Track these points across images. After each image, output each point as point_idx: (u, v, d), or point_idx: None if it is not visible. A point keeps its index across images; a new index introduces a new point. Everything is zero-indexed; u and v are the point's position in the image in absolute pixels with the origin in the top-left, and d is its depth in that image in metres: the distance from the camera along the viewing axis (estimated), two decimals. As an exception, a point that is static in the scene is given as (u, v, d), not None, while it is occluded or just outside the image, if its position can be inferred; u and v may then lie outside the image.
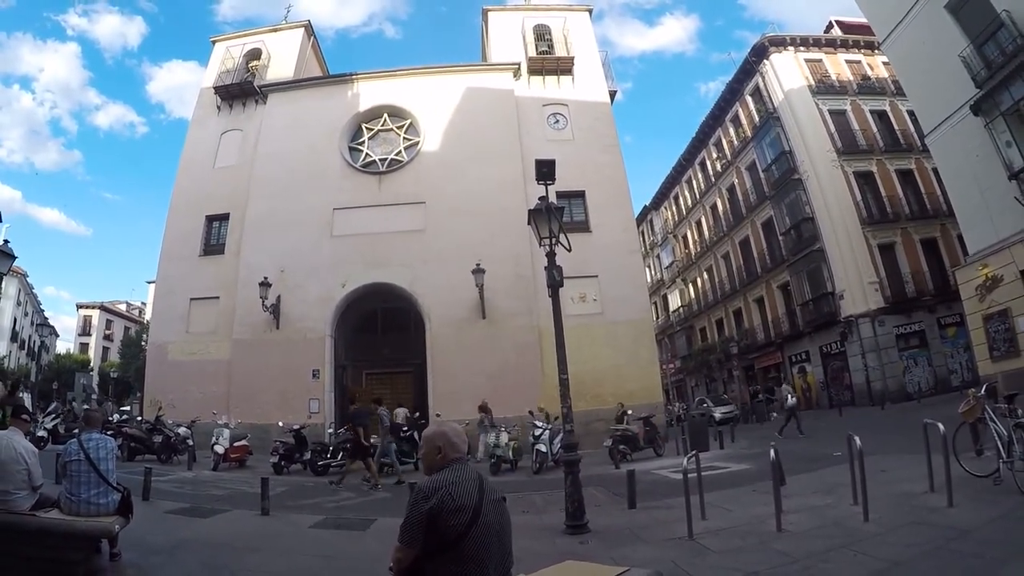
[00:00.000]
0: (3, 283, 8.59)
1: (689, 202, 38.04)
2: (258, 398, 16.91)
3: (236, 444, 13.66)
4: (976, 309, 16.24)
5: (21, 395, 17.41)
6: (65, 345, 57.18)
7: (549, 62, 21.53)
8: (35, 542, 4.24)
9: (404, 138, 20.83)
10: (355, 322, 19.75)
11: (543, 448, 12.18)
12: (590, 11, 23.72)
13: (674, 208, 40.66)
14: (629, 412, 14.75)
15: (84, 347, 55.57)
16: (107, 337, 57.77)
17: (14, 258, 8.51)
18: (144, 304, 56.13)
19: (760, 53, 27.22)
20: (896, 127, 25.43)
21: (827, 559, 4.68)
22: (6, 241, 8.18)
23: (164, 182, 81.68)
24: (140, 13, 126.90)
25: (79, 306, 58.22)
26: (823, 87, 25.88)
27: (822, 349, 25.45)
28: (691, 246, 38.08)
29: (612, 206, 19.51)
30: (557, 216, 7.55)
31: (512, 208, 17.38)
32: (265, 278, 17.12)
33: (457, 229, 18.24)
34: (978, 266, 16.02)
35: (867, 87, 26.21)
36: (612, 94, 22.08)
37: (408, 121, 20.98)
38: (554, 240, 7.41)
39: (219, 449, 13.08)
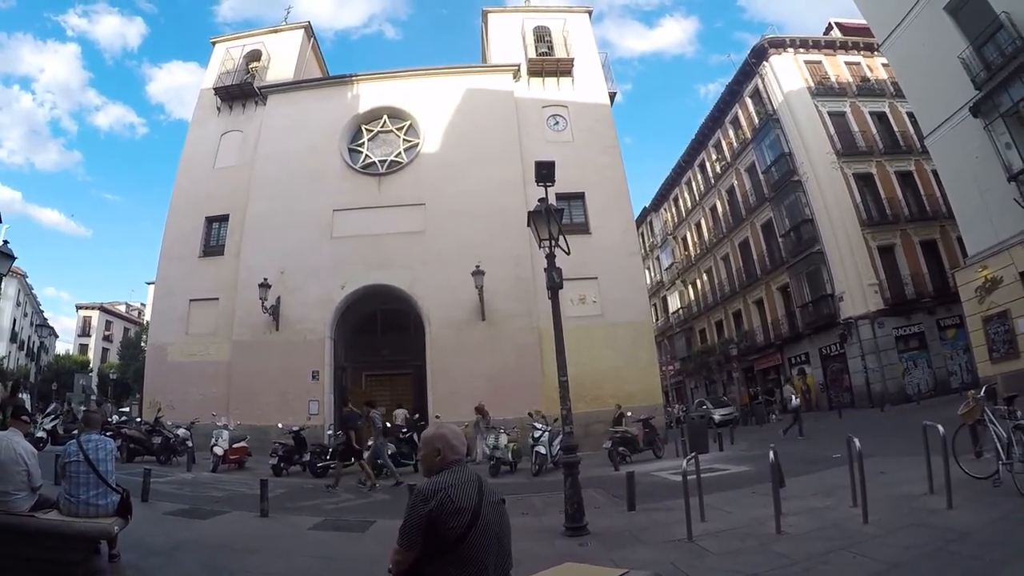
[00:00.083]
0: (3, 284, 8.58)
1: (689, 204, 38.05)
2: (257, 399, 16.90)
3: (235, 445, 13.65)
4: (976, 311, 16.23)
5: (22, 396, 17.42)
6: (64, 346, 57.25)
7: (549, 64, 21.55)
8: (34, 543, 4.23)
9: (404, 139, 20.85)
10: (355, 324, 19.75)
11: (542, 450, 12.18)
12: (590, 13, 23.76)
13: (674, 210, 40.67)
14: (628, 414, 14.75)
15: (83, 348, 55.57)
16: (106, 338, 57.76)
17: (14, 259, 8.50)
18: (144, 305, 56.10)
19: (759, 55, 27.24)
20: (896, 129, 25.44)
21: (827, 561, 4.68)
22: (6, 242, 8.18)
23: (164, 183, 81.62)
24: (140, 14, 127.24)
25: (79, 307, 58.23)
26: (823, 89, 25.90)
27: (822, 351, 25.44)
28: (691, 248, 38.08)
29: (612, 208, 19.52)
30: (557, 218, 7.56)
31: (512, 210, 17.39)
32: (265, 279, 17.11)
33: (457, 231, 18.25)
34: (978, 268, 16.02)
35: (867, 89, 26.23)
36: (612, 96, 22.10)
37: (408, 122, 20.99)
38: (554, 242, 7.42)
39: (218, 451, 13.07)
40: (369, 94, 21.26)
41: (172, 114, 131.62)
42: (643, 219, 43.14)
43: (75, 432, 5.27)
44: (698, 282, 37.51)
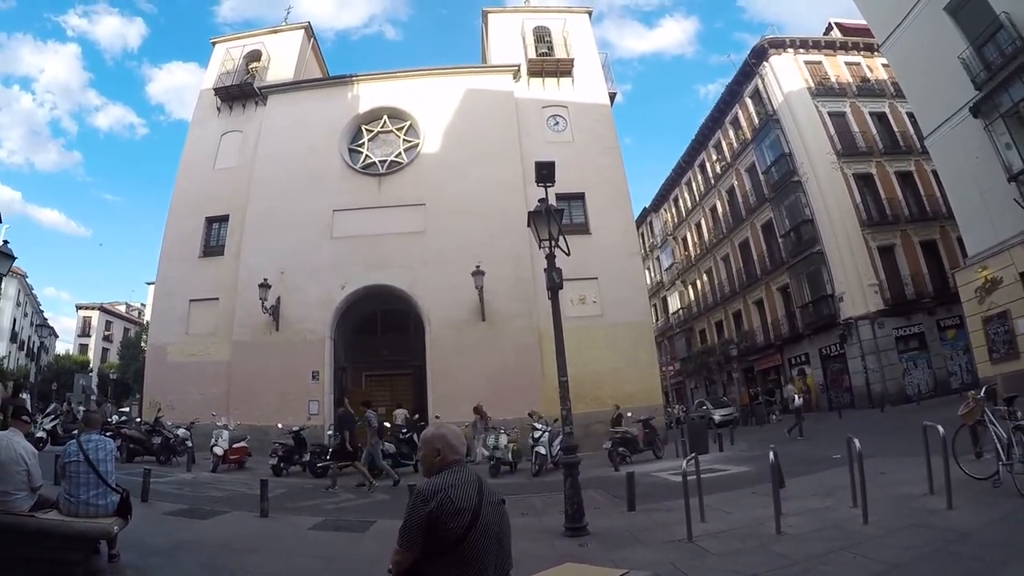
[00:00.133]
0: (3, 284, 8.59)
1: (689, 204, 38.06)
2: (257, 400, 16.90)
3: (235, 446, 13.66)
4: (976, 311, 16.23)
5: (23, 396, 17.42)
6: (64, 346, 57.26)
7: (549, 64, 21.55)
8: (34, 543, 4.24)
9: (404, 140, 20.85)
10: (355, 324, 19.75)
11: (542, 450, 12.18)
12: (590, 13, 23.77)
13: (674, 210, 40.67)
14: (629, 414, 14.74)
15: (83, 348, 55.57)
16: (106, 338, 57.76)
17: (14, 259, 8.51)
18: (144, 305, 56.12)
19: (759, 55, 27.25)
20: (896, 129, 25.45)
21: (827, 561, 4.68)
22: (6, 242, 8.19)
23: (164, 183, 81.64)
24: (140, 14, 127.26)
25: (79, 307, 58.23)
26: (823, 89, 25.90)
27: (821, 351, 25.44)
28: (691, 248, 38.09)
29: (612, 208, 19.52)
30: (557, 218, 7.57)
31: (512, 210, 17.40)
32: (265, 280, 17.11)
33: (457, 231, 18.25)
34: (978, 268, 16.02)
35: (867, 89, 26.23)
36: (612, 96, 22.10)
37: (408, 123, 21.00)
38: (554, 242, 7.42)
39: (218, 451, 13.07)
40: (369, 94, 21.27)
41: (172, 114, 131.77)
42: (643, 219, 43.14)
43: (75, 432, 5.27)
44: (698, 282, 37.51)
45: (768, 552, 5.09)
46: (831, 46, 27.42)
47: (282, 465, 12.71)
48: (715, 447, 14.60)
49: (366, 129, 21.07)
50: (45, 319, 51.68)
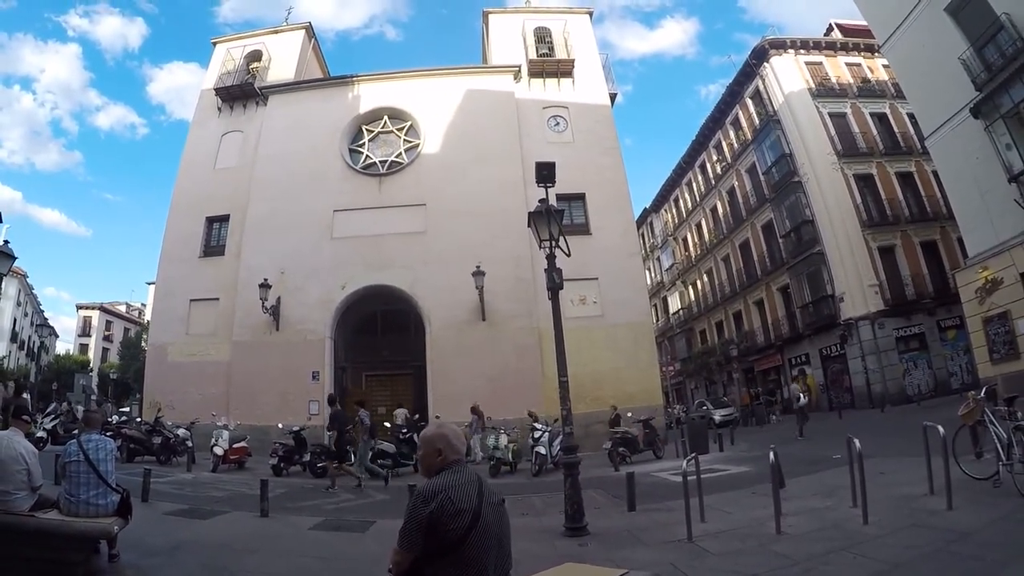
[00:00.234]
0: (3, 283, 8.59)
1: (689, 205, 38.06)
2: (258, 400, 16.90)
3: (235, 446, 13.64)
4: (976, 312, 16.23)
5: (25, 396, 17.43)
6: (65, 346, 57.23)
7: (549, 64, 21.55)
8: (34, 543, 4.23)
9: (404, 140, 20.86)
10: (355, 324, 19.75)
11: (542, 450, 12.18)
12: (590, 13, 23.77)
13: (674, 211, 40.68)
14: (629, 414, 14.74)
15: (84, 348, 55.56)
16: (107, 338, 57.76)
17: (14, 259, 8.51)
18: (144, 305, 56.14)
19: (760, 56, 27.26)
20: (896, 130, 25.45)
21: (827, 561, 4.68)
22: (6, 242, 8.19)
23: (165, 183, 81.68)
24: (141, 14, 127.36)
25: (79, 307, 58.22)
26: (823, 90, 25.91)
27: (822, 352, 25.44)
28: (691, 248, 38.09)
29: (612, 208, 19.52)
30: (557, 219, 7.56)
31: (512, 210, 17.40)
32: (265, 280, 17.11)
33: (457, 231, 18.25)
34: (978, 269, 16.02)
35: (867, 90, 26.24)
36: (612, 97, 22.10)
37: (408, 123, 21.00)
38: (554, 243, 7.42)
39: (218, 451, 13.06)
40: (370, 95, 21.28)
41: (173, 114, 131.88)
42: (643, 220, 43.15)
43: (75, 432, 5.27)
44: (698, 283, 37.51)
45: (768, 552, 5.09)
46: (832, 47, 27.44)
47: (282, 465, 12.70)
48: (715, 447, 14.60)
49: (366, 129, 21.08)
50: (45, 319, 51.68)
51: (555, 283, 7.30)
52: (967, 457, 7.09)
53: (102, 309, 58.50)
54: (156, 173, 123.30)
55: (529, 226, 7.81)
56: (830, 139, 24.70)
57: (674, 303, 40.95)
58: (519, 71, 21.42)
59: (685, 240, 39.03)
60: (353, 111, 21.00)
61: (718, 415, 25.04)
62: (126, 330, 58.87)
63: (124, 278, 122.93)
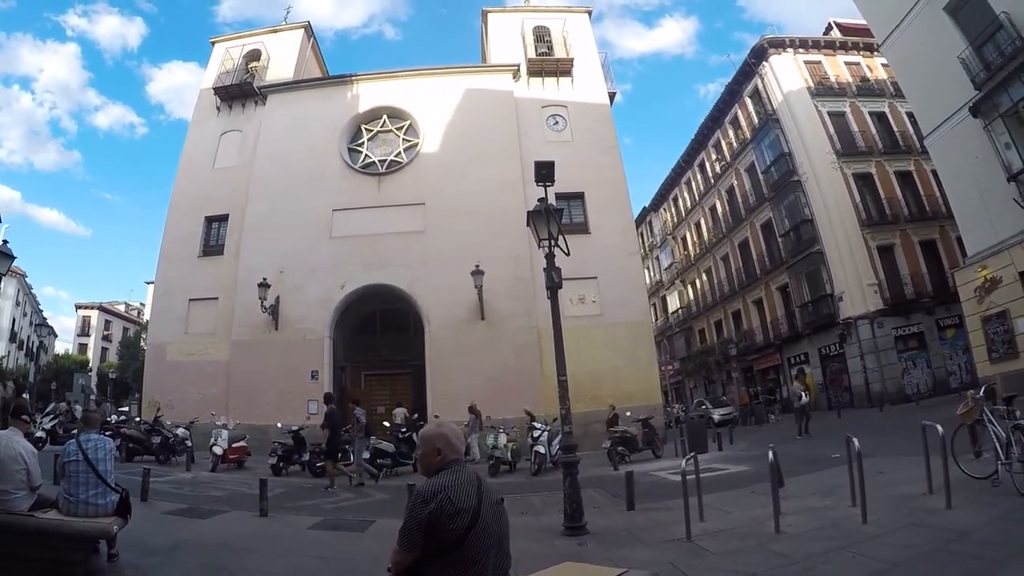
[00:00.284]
0: (2, 283, 8.59)
1: (688, 204, 38.06)
2: (257, 399, 16.89)
3: (235, 445, 13.64)
4: (975, 311, 16.24)
5: (25, 396, 17.41)
6: (64, 345, 57.20)
7: (548, 64, 21.54)
8: (33, 542, 4.23)
9: (403, 139, 20.85)
10: (354, 323, 19.74)
11: (542, 449, 12.18)
12: (589, 13, 23.76)
13: (673, 210, 40.68)
14: (628, 413, 14.74)
15: (83, 348, 55.52)
16: (106, 338, 57.73)
17: (13, 258, 8.51)
18: (143, 305, 56.08)
19: (759, 55, 27.25)
20: (895, 129, 25.45)
21: (826, 560, 4.68)
22: (5, 241, 8.19)
23: (164, 183, 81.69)
24: (140, 14, 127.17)
25: (78, 306, 58.18)
26: (822, 89, 25.90)
27: (821, 351, 25.45)
28: (690, 248, 38.09)
29: (611, 208, 19.53)
30: (556, 218, 7.56)
31: (511, 209, 17.39)
32: (264, 279, 17.11)
33: (456, 230, 18.25)
34: (977, 268, 16.03)
35: (866, 89, 26.23)
36: (611, 96, 22.10)
37: (407, 122, 20.99)
38: (553, 242, 7.42)
39: (217, 450, 13.05)
40: (369, 94, 21.26)
41: (172, 114, 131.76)
42: (643, 219, 43.14)
43: (74, 432, 5.26)
44: (697, 282, 37.51)
45: (767, 551, 5.09)
46: (831, 46, 27.41)
47: (281, 464, 12.69)
48: (714, 446, 14.60)
49: (366, 129, 21.07)
50: (44, 318, 51.61)
51: (554, 282, 7.30)
52: (966, 456, 7.09)
53: (101, 309, 58.46)
54: (155, 173, 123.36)
55: (528, 225, 7.80)
56: (829, 138, 24.69)
57: (673, 302, 40.96)
58: (518, 70, 21.41)
59: (684, 239, 39.02)
60: (352, 110, 20.99)
61: (717, 414, 25.06)
62: (125, 330, 58.84)
63: (123, 278, 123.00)
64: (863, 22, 21.69)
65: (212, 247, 20.03)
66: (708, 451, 13.41)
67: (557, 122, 20.88)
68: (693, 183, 36.99)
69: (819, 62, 26.84)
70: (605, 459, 12.63)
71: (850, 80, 26.44)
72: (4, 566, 4.24)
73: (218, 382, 17.66)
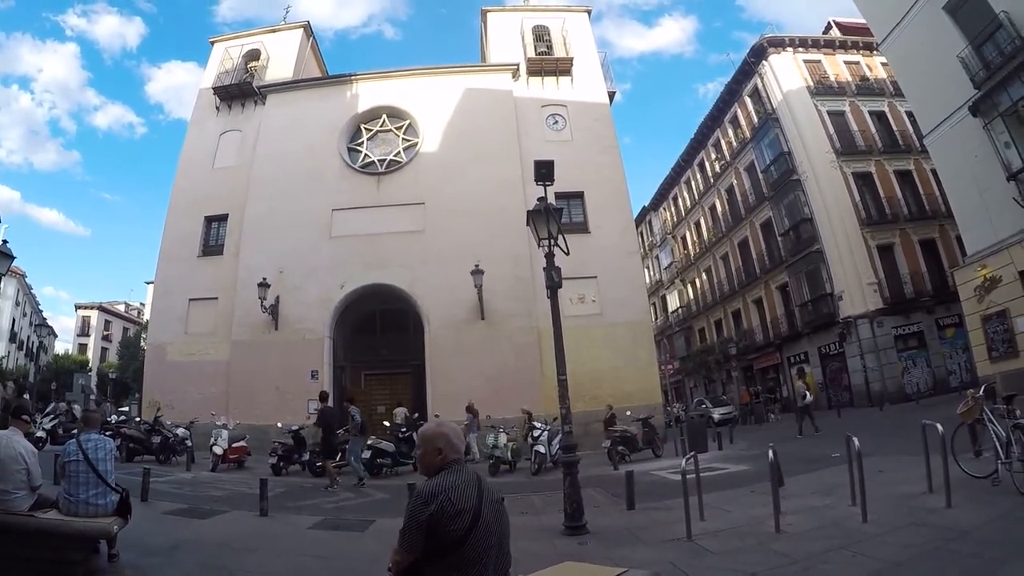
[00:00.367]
0: (2, 283, 8.59)
1: (688, 203, 38.06)
2: (257, 399, 16.89)
3: (235, 445, 13.63)
4: (975, 310, 16.25)
5: (25, 397, 17.41)
6: (63, 346, 57.15)
7: (548, 63, 21.53)
8: (34, 542, 4.23)
9: (403, 139, 20.84)
10: (354, 323, 19.74)
11: (542, 449, 12.18)
12: (589, 12, 23.76)
13: (673, 209, 40.68)
14: (628, 413, 14.74)
15: (83, 348, 55.50)
16: (106, 338, 57.70)
17: (13, 258, 8.51)
18: (143, 305, 56.06)
19: (759, 54, 27.23)
20: (895, 128, 25.45)
21: (826, 560, 4.68)
22: (5, 241, 8.19)
23: (163, 183, 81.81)
24: (139, 14, 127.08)
25: (78, 306, 58.16)
26: (822, 88, 25.90)
27: (821, 350, 25.45)
28: (690, 247, 38.09)
29: (611, 207, 19.52)
30: (556, 217, 7.56)
31: (511, 209, 17.38)
32: (264, 279, 17.11)
33: (456, 230, 18.24)
34: (977, 267, 16.04)
35: (866, 88, 26.23)
36: (611, 95, 22.09)
37: (407, 122, 20.98)
38: (553, 241, 7.41)
39: (218, 450, 13.04)
40: (368, 93, 21.24)
41: (171, 114, 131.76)
42: (642, 218, 43.14)
43: (74, 432, 5.26)
44: (697, 281, 37.52)
45: (767, 550, 5.09)
46: (830, 45, 27.41)
47: (281, 464, 12.68)
48: (714, 446, 14.60)
49: (365, 128, 21.06)
50: (44, 319, 51.60)
51: (554, 282, 7.29)
52: (966, 455, 7.09)
53: (101, 309, 58.43)
54: (155, 172, 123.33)
55: (528, 225, 7.79)
56: (829, 137, 24.69)
57: (673, 302, 40.96)
58: (518, 69, 21.40)
59: (684, 238, 39.02)
60: (351, 110, 20.98)
61: (717, 413, 25.07)
62: (125, 330, 58.82)
63: (123, 277, 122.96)
64: (863, 21, 21.70)
65: (212, 247, 20.02)
66: (708, 450, 13.41)
67: (557, 121, 20.88)
68: (693, 182, 36.98)
69: (819, 61, 26.84)
70: (605, 459, 12.62)
71: (850, 79, 26.44)
72: (4, 566, 4.23)
73: (218, 382, 17.65)
